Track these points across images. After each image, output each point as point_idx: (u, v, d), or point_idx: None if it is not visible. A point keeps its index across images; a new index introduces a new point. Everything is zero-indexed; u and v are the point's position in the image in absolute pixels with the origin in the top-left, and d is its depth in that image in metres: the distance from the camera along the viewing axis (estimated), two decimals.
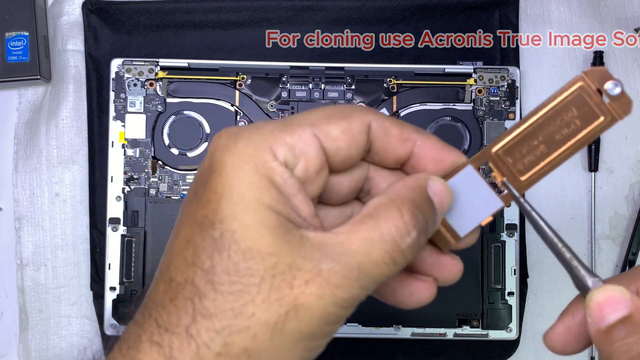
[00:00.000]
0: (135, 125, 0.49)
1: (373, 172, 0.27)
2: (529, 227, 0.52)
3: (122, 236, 0.49)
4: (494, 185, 0.27)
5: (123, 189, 0.49)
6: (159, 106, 0.50)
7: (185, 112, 0.50)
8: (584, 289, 0.25)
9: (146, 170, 0.50)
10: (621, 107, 0.25)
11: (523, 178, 0.26)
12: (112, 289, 0.49)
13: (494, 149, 0.26)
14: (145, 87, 0.50)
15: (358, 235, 0.23)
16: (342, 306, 0.23)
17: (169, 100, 0.50)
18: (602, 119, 0.25)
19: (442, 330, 0.49)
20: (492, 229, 0.50)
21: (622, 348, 0.23)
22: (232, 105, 0.50)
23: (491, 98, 0.50)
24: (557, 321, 0.27)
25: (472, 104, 0.50)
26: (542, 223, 0.26)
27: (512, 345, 0.50)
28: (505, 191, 0.27)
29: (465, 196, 0.27)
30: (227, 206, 0.23)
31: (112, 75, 0.50)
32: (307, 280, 0.22)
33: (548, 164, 0.26)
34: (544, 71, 0.53)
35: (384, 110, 0.50)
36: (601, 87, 0.25)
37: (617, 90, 0.25)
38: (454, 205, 0.27)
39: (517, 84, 0.50)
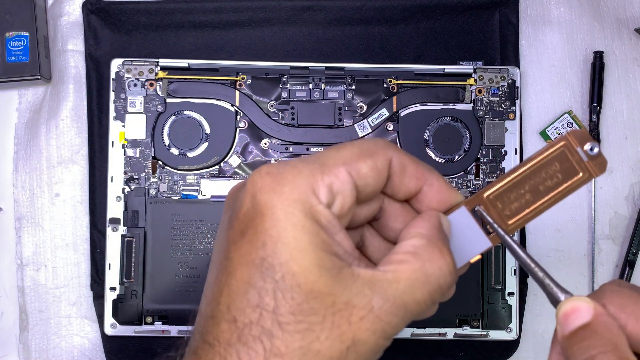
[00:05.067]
0: (135, 126, 0.49)
1: (386, 204, 0.30)
2: (529, 227, 0.52)
3: (122, 236, 0.49)
4: (484, 226, 0.29)
5: (123, 189, 0.49)
6: (159, 106, 0.50)
7: (185, 112, 0.50)
8: (554, 301, 0.27)
9: (146, 171, 0.50)
10: (598, 165, 0.28)
11: (510, 222, 0.29)
12: (112, 289, 0.49)
13: (486, 194, 0.29)
14: (145, 87, 0.50)
15: (404, 275, 0.25)
16: (389, 338, 0.25)
17: (169, 100, 0.50)
18: (580, 174, 0.29)
19: (442, 330, 0.49)
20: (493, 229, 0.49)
21: (579, 350, 0.25)
22: (232, 105, 0.50)
23: (491, 98, 0.50)
24: (551, 348, 0.29)
25: (472, 104, 0.50)
26: (515, 246, 0.28)
27: (512, 345, 0.50)
28: (494, 233, 0.29)
29: (458, 234, 0.29)
30: (285, 250, 0.24)
31: (112, 75, 0.50)
32: (361, 317, 0.24)
33: (532, 212, 0.29)
34: (544, 71, 0.53)
35: (384, 111, 0.50)
36: (582, 147, 0.28)
37: (595, 151, 0.28)
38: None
39: (517, 84, 0.50)
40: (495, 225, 0.29)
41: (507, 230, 0.29)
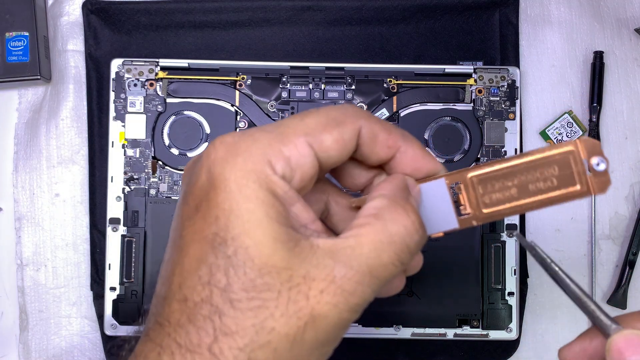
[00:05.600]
0: (135, 126, 0.49)
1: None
2: (529, 227, 0.52)
3: (122, 236, 0.49)
4: (457, 206, 0.27)
5: (123, 189, 0.49)
6: (159, 106, 0.50)
7: (185, 112, 0.50)
8: (603, 331, 0.26)
9: (146, 171, 0.50)
10: (599, 183, 0.26)
11: (485, 210, 0.27)
12: (112, 289, 0.49)
13: (470, 175, 0.27)
14: (145, 87, 0.50)
15: (367, 239, 0.24)
16: (355, 311, 0.24)
17: (169, 100, 0.50)
18: (577, 187, 0.26)
19: (442, 330, 0.49)
20: (492, 229, 0.49)
21: None
22: (232, 105, 0.50)
23: (491, 98, 0.50)
24: (575, 340, 0.28)
25: (472, 104, 0.50)
26: (568, 281, 0.27)
27: (512, 345, 0.50)
28: (465, 215, 0.27)
29: (428, 205, 0.27)
30: (238, 223, 0.23)
31: (112, 75, 0.50)
32: (322, 289, 0.23)
33: (512, 208, 0.27)
34: (544, 71, 0.53)
35: (384, 111, 0.50)
36: (588, 159, 0.26)
37: (602, 167, 0.25)
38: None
39: (517, 84, 0.50)
40: (549, 261, 0.26)
41: (478, 218, 0.27)
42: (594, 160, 0.26)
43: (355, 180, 0.29)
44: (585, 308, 0.26)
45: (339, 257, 0.23)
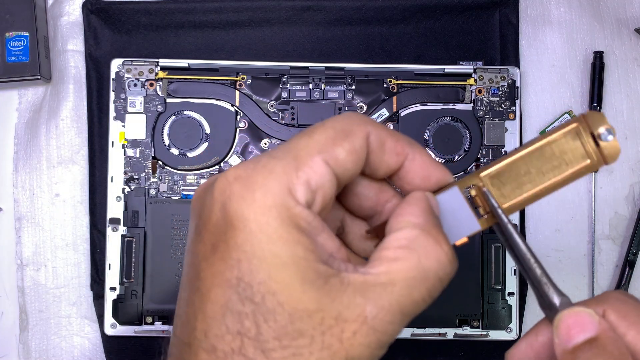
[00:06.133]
0: (135, 126, 0.49)
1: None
2: (529, 226, 0.52)
3: (122, 236, 0.49)
4: (474, 208, 0.27)
5: (123, 189, 0.49)
6: (159, 106, 0.50)
7: (185, 112, 0.50)
8: (551, 309, 0.25)
9: (146, 171, 0.50)
10: (610, 154, 0.26)
11: (504, 205, 0.27)
12: (112, 289, 0.49)
13: (482, 174, 0.27)
14: (146, 87, 0.50)
15: (399, 275, 0.23)
16: (385, 347, 0.23)
17: (169, 100, 0.50)
18: (589, 161, 0.26)
19: (442, 330, 0.49)
20: (492, 229, 0.49)
21: None
22: (232, 105, 0.50)
23: (491, 98, 0.50)
24: (521, 339, 0.27)
25: (472, 104, 0.50)
26: (516, 236, 0.26)
27: (512, 345, 0.50)
28: (485, 215, 0.27)
29: (446, 215, 0.27)
30: (262, 267, 0.22)
31: (112, 75, 0.50)
32: (354, 331, 0.22)
33: (530, 196, 0.27)
34: (544, 71, 0.53)
35: (384, 111, 0.50)
36: (595, 131, 0.26)
37: (610, 138, 0.26)
38: None
39: (517, 84, 0.50)
40: (500, 211, 0.26)
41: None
42: (602, 131, 0.25)
43: (362, 202, 0.27)
44: (533, 275, 0.25)
45: (370, 295, 0.22)
